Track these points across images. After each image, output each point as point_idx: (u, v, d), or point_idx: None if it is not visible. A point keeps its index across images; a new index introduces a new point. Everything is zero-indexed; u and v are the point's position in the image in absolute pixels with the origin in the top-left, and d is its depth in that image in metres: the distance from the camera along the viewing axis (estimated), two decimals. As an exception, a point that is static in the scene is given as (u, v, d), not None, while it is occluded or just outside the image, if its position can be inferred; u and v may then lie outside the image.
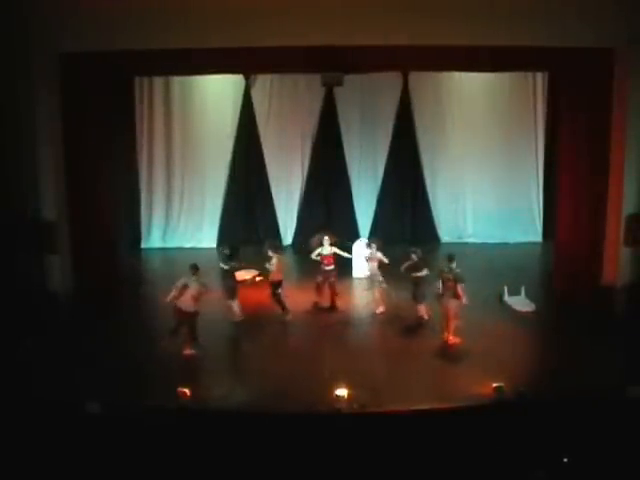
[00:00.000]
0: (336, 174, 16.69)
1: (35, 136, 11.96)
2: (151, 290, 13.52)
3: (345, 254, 12.58)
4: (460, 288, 10.44)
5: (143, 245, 16.91)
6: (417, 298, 11.55)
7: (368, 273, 12.33)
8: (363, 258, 12.47)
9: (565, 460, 7.49)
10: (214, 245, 16.61)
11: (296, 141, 16.70)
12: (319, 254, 12.21)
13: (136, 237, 16.80)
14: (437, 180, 16.95)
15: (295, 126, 16.56)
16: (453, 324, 10.63)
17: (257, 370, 10.02)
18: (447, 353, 10.46)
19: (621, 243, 12.29)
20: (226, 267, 11.64)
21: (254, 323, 11.77)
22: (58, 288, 12.31)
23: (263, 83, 16.29)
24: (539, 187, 16.90)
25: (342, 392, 8.56)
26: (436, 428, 8.10)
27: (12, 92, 11.55)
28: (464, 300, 10.47)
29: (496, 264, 14.72)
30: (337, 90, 15.71)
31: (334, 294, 12.43)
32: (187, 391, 8.68)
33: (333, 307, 12.41)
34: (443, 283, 10.61)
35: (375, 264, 12.01)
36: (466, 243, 16.72)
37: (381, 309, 12.16)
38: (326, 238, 12.22)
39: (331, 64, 12.19)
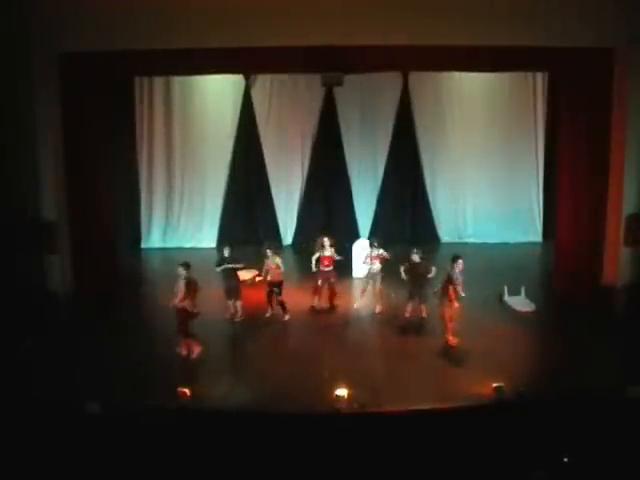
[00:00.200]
0: (336, 174, 16.70)
1: (35, 136, 11.96)
2: (151, 290, 13.55)
3: (338, 256, 12.42)
4: (452, 290, 10.44)
5: (143, 245, 16.92)
6: (421, 298, 11.56)
7: (368, 272, 12.30)
8: (364, 258, 12.42)
9: (565, 460, 7.49)
10: (214, 245, 16.61)
11: (296, 141, 16.70)
12: (319, 257, 12.19)
13: (136, 237, 16.81)
14: (437, 180, 16.96)
15: (295, 126, 16.57)
16: (451, 325, 10.62)
17: (257, 370, 10.02)
18: (447, 353, 10.45)
19: (621, 243, 12.29)
20: (220, 269, 11.62)
21: (254, 323, 11.78)
22: (58, 288, 12.30)
23: (263, 83, 16.30)
24: (539, 187, 16.92)
25: (342, 392, 8.55)
26: (436, 428, 8.09)
27: (12, 92, 11.55)
28: (455, 303, 10.45)
29: (496, 264, 14.71)
30: (337, 90, 15.72)
31: (333, 295, 12.42)
32: (187, 391, 8.68)
33: (332, 307, 12.41)
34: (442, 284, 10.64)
35: (377, 263, 12.01)
36: (466, 243, 16.72)
37: (379, 309, 12.18)
38: (326, 240, 12.21)
39: (331, 64, 12.18)
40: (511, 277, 13.20)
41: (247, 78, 16.11)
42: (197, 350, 10.33)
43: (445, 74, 16.01)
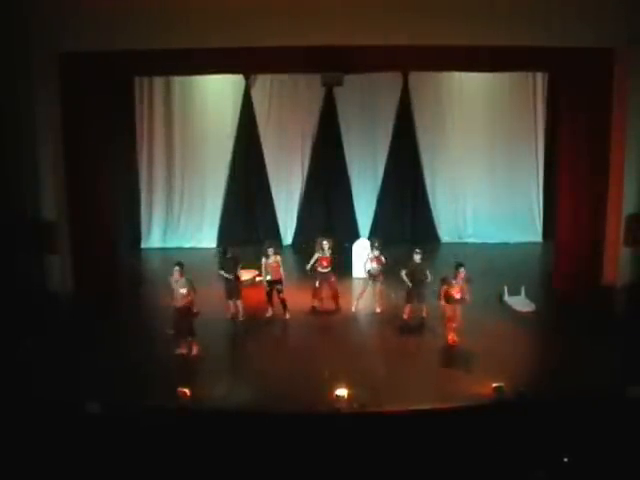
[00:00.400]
0: (336, 174, 16.68)
1: (35, 136, 11.97)
2: (151, 290, 13.53)
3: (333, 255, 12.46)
4: (444, 290, 10.49)
5: (143, 245, 16.90)
6: (419, 298, 11.56)
7: (369, 272, 12.30)
8: (365, 258, 12.42)
9: (565, 460, 7.49)
10: (214, 245, 16.59)
11: (296, 141, 16.69)
12: (318, 257, 12.18)
13: (136, 237, 16.79)
14: (437, 180, 16.94)
15: (295, 126, 16.55)
16: (451, 325, 10.62)
17: (257, 370, 10.02)
18: (447, 353, 10.46)
19: (621, 243, 12.31)
20: (222, 271, 11.62)
21: (254, 323, 11.78)
22: (58, 288, 12.31)
23: (263, 83, 16.28)
24: (539, 187, 16.90)
25: (342, 392, 8.56)
26: (436, 428, 8.10)
27: (12, 92, 11.55)
28: (442, 301, 10.50)
29: (496, 264, 14.70)
30: (337, 90, 15.71)
31: (335, 295, 12.41)
32: (187, 391, 8.68)
33: (336, 308, 12.39)
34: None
35: (377, 264, 12.01)
36: (466, 243, 16.72)
37: (379, 309, 12.19)
38: (325, 242, 12.20)
39: (331, 64, 12.20)
40: (511, 277, 13.20)
41: (247, 78, 16.10)
42: (196, 348, 10.33)
43: (445, 74, 16.00)
